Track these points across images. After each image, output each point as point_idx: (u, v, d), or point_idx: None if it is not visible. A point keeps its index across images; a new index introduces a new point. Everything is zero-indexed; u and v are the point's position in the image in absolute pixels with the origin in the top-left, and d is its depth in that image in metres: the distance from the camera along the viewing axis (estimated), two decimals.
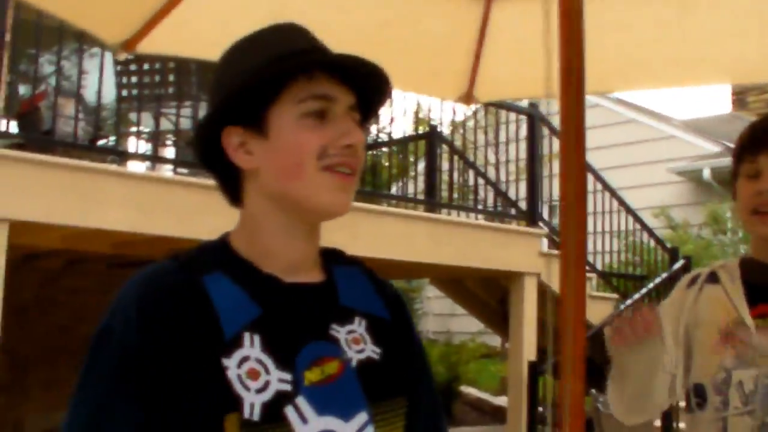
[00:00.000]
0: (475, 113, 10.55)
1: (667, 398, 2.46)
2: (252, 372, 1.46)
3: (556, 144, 10.13)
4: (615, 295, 10.32)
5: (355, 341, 1.61)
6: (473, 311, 11.31)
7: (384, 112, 10.13)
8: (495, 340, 14.16)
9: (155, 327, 1.45)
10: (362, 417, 1.55)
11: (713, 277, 2.51)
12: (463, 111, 10.17)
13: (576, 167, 2.31)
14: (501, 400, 11.29)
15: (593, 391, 6.69)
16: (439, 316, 16.01)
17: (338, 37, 3.15)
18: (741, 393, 2.33)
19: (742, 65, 3.26)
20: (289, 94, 1.54)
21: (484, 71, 3.36)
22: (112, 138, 7.72)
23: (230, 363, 1.45)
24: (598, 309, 9.67)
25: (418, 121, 10.54)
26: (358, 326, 1.64)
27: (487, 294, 10.40)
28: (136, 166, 7.51)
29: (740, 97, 17.98)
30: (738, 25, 3.07)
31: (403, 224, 7.97)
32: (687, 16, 3.04)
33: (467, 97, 3.47)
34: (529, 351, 8.61)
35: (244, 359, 1.47)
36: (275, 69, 1.54)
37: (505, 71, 3.40)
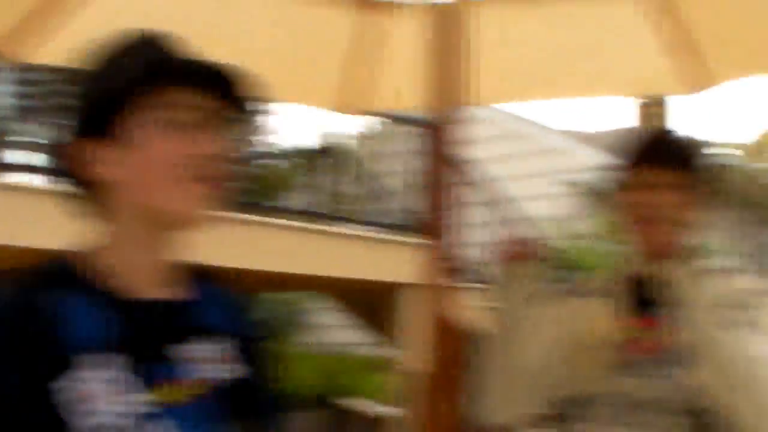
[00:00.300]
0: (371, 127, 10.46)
1: (533, 400, 2.47)
2: (87, 395, 1.38)
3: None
4: None
5: (212, 361, 1.55)
6: (359, 321, 11.24)
7: (277, 122, 10.05)
8: (381, 351, 14.13)
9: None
10: None
11: (593, 287, 2.53)
12: (360, 124, 10.07)
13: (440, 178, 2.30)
14: (384, 411, 11.28)
15: None
16: (323, 328, 15.88)
17: (214, 45, 3.04)
18: (614, 405, 2.34)
19: (638, 79, 3.30)
20: (149, 104, 1.49)
21: (361, 81, 3.29)
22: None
23: (62, 385, 1.37)
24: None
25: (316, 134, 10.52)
26: (216, 345, 1.58)
27: (372, 304, 10.29)
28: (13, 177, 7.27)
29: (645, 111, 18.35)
30: (634, 41, 3.11)
31: (285, 236, 7.88)
32: (578, 30, 3.09)
33: (344, 107, 3.39)
34: (415, 361, 8.58)
35: (80, 381, 1.38)
36: (133, 78, 1.49)
37: (382, 82, 3.32)
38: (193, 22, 2.73)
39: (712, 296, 2.34)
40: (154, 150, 1.49)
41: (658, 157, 2.42)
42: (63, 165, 1.56)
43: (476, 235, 10.74)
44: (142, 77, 1.49)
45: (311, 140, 10.64)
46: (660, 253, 2.39)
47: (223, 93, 1.54)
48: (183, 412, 1.46)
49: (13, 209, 6.04)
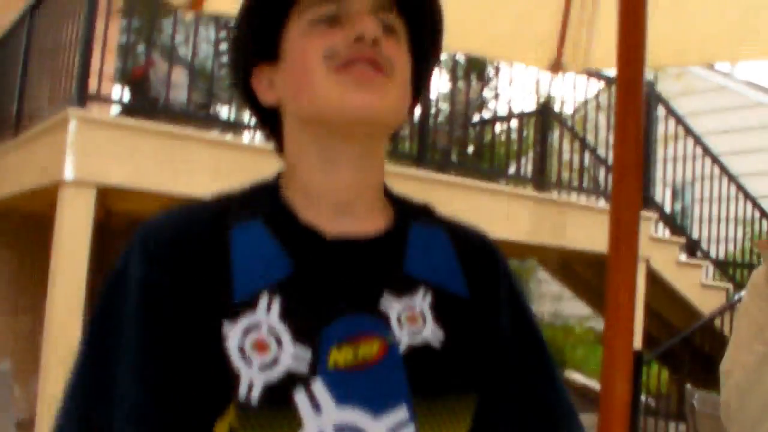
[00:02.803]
0: (597, 94, 10.16)
1: None
2: (259, 343, 1.22)
3: (672, 125, 9.82)
4: (729, 285, 10.00)
5: (411, 320, 1.29)
6: (581, 295, 11.08)
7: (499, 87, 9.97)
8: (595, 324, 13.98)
9: (169, 272, 1.26)
10: (400, 413, 1.24)
11: None
12: (583, 91, 9.77)
13: (632, 137, 2.15)
14: (592, 384, 11.15)
15: (689, 386, 6.38)
16: (549, 299, 15.74)
17: None
18: None
19: None
20: (296, 11, 1.35)
21: (573, 39, 3.17)
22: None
23: (233, 331, 1.22)
24: (711, 298, 9.42)
25: (535, 97, 10.24)
26: (421, 301, 1.32)
27: (596, 277, 10.08)
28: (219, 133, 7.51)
29: None
30: None
31: (506, 202, 7.83)
32: None
33: (555, 66, 3.28)
34: (634, 338, 8.42)
35: (253, 327, 1.22)
36: None
37: (595, 39, 3.13)
38: None
39: None
40: (303, 47, 1.33)
41: None
42: (245, 97, 1.45)
43: (703, 211, 10.44)
44: None
45: (532, 104, 10.45)
46: None
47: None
48: (352, 377, 1.24)
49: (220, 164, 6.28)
